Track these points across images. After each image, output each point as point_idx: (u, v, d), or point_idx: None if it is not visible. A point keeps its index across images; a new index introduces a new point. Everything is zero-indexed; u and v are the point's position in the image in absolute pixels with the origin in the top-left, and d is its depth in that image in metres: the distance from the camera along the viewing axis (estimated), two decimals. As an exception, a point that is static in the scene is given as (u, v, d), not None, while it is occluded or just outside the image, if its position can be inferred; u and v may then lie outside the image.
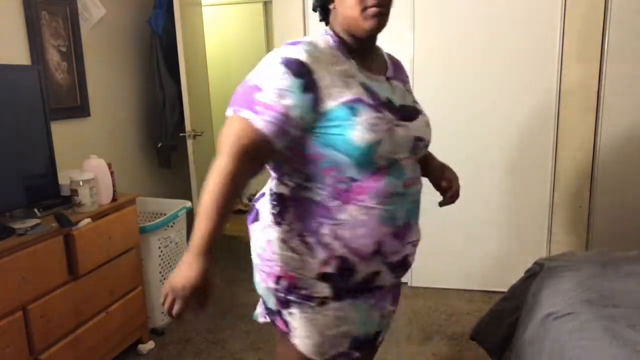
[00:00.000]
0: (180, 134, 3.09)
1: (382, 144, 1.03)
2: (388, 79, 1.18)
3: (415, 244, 1.19)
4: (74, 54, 2.51)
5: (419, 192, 1.18)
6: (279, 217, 1.12)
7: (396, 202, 1.09)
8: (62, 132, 2.37)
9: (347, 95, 1.03)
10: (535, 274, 1.71)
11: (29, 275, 1.68)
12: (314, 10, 1.20)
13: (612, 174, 2.60)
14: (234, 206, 1.05)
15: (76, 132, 2.56)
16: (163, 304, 1.02)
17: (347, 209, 1.06)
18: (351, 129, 1.01)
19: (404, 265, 1.18)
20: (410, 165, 1.13)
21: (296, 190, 1.10)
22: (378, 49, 1.22)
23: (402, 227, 1.12)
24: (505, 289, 1.89)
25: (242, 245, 3.59)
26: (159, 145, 3.20)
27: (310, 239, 1.09)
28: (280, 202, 1.13)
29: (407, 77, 1.31)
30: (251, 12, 4.37)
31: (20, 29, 2.22)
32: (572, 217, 2.70)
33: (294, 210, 1.11)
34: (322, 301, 1.12)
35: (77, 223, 1.89)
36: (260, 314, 1.28)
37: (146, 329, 2.36)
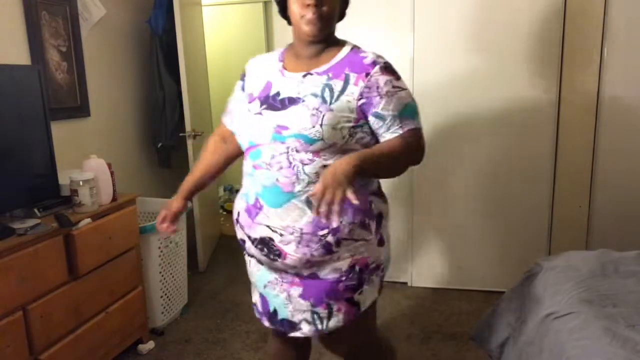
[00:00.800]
0: (180, 134, 3.09)
1: (244, 129, 1.31)
2: (306, 75, 1.26)
3: (276, 230, 1.24)
4: (74, 54, 2.51)
5: (270, 178, 1.22)
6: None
7: (247, 181, 1.30)
8: (62, 132, 2.37)
9: (251, 90, 1.33)
10: (535, 274, 1.71)
11: (29, 275, 1.68)
12: (279, 14, 1.34)
13: (612, 174, 2.61)
14: (214, 167, 1.50)
15: (76, 132, 2.56)
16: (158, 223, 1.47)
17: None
18: (236, 117, 1.40)
19: (266, 245, 1.27)
20: (269, 151, 1.22)
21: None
22: (335, 49, 1.28)
23: (251, 206, 1.28)
24: (505, 289, 1.89)
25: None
26: (159, 145, 3.20)
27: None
28: None
29: (353, 71, 1.23)
30: (251, 12, 4.36)
31: (20, 29, 2.22)
32: (572, 217, 2.70)
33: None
34: (241, 244, 1.39)
35: (77, 223, 1.89)
36: None
37: (146, 329, 2.36)
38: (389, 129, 1.22)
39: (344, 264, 1.27)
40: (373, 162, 1.15)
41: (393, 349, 1.66)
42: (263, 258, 1.31)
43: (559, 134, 2.62)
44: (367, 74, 1.21)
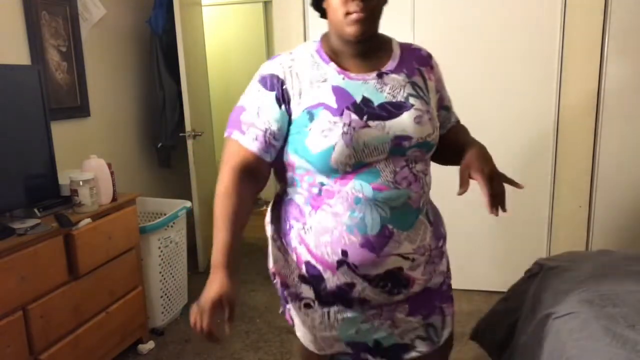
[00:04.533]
0: (180, 134, 3.09)
1: (336, 149, 0.99)
2: (381, 75, 1.08)
3: (408, 256, 1.06)
4: (74, 54, 2.51)
5: (401, 197, 1.05)
6: (271, 216, 1.21)
7: (364, 208, 1.02)
8: (62, 132, 2.37)
9: (312, 101, 1.04)
10: (535, 274, 1.71)
11: (29, 275, 1.68)
12: (312, 6, 1.15)
13: (612, 174, 2.60)
14: (244, 218, 1.07)
15: (76, 132, 2.56)
16: (194, 326, 0.97)
17: (317, 214, 1.06)
18: (306, 136, 1.02)
19: (392, 279, 1.07)
20: (391, 167, 1.04)
21: (283, 193, 1.16)
22: (385, 43, 1.14)
23: (375, 237, 1.03)
24: (505, 289, 1.89)
25: (242, 246, 3.59)
26: (159, 145, 3.20)
27: (284, 240, 1.15)
28: (274, 203, 1.21)
29: (421, 66, 1.16)
30: (251, 12, 4.37)
31: (20, 29, 2.22)
32: (572, 217, 2.70)
33: (278, 211, 1.17)
34: (308, 303, 1.13)
35: (77, 223, 1.88)
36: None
37: (146, 329, 2.36)
38: (451, 120, 1.25)
39: (444, 263, 1.21)
40: None
41: None
42: (379, 297, 1.10)
43: (558, 134, 2.62)
44: (432, 67, 1.17)
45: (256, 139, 1.06)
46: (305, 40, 2.82)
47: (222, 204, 1.05)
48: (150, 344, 2.35)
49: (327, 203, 1.04)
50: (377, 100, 1.04)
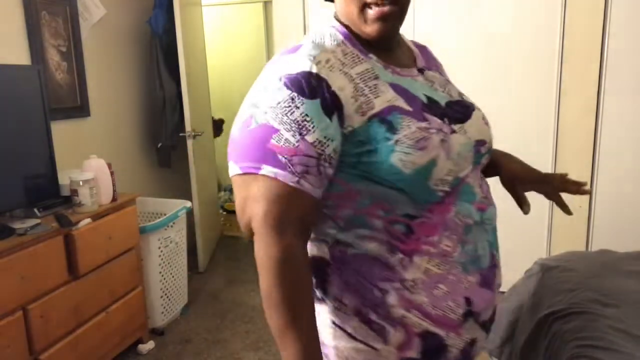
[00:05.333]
0: (180, 134, 3.09)
1: (438, 163, 0.74)
2: (421, 70, 0.89)
3: (500, 284, 0.89)
4: (74, 54, 2.51)
5: (495, 217, 0.90)
6: (321, 292, 0.81)
7: (475, 235, 0.81)
8: (62, 132, 2.37)
9: (377, 105, 0.75)
10: (535, 274, 1.71)
11: (29, 275, 1.68)
12: None
13: (612, 174, 2.60)
14: (313, 305, 0.76)
15: (76, 132, 2.56)
16: None
17: (414, 261, 0.76)
18: (390, 151, 0.73)
19: (494, 319, 0.89)
20: (477, 181, 0.85)
21: (334, 247, 0.79)
22: (399, 36, 0.92)
23: (487, 269, 0.83)
24: (505, 289, 1.89)
25: (242, 245, 3.60)
26: (159, 145, 3.20)
27: (374, 316, 0.77)
28: (317, 270, 0.81)
29: (440, 64, 1.04)
30: (251, 12, 4.37)
31: (20, 29, 2.22)
32: (572, 217, 2.69)
33: (338, 278, 0.79)
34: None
35: (77, 223, 1.88)
36: None
37: (146, 329, 2.36)
38: None
39: None
40: None
41: None
42: (480, 339, 0.85)
43: (558, 134, 2.62)
44: (441, 65, 1.03)
45: (307, 172, 0.71)
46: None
47: (297, 294, 0.71)
48: (150, 344, 2.35)
49: (427, 242, 0.76)
50: (440, 99, 0.84)
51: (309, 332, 0.72)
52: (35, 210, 1.88)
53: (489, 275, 0.83)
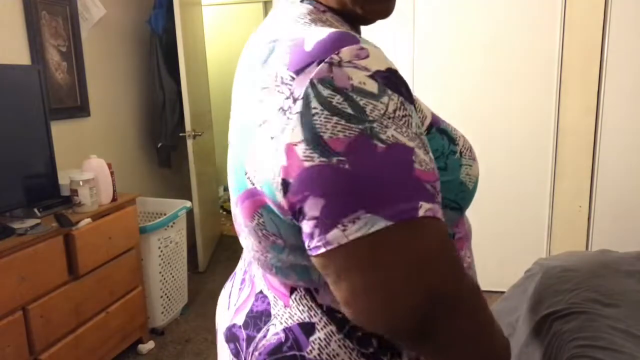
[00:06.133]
0: (180, 134, 3.09)
1: (479, 175, 0.66)
2: None
3: None
4: (74, 54, 2.51)
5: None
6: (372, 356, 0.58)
7: (470, 245, 0.73)
8: (62, 132, 2.37)
9: (427, 112, 0.63)
10: (535, 274, 1.71)
11: (29, 275, 1.68)
12: None
13: (612, 174, 2.60)
14: None
15: (76, 132, 2.56)
16: None
17: None
18: (458, 165, 0.62)
19: None
20: None
21: None
22: None
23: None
24: (505, 289, 1.89)
25: (242, 245, 3.59)
26: (159, 145, 3.20)
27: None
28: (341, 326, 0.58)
29: None
30: (251, 12, 4.37)
31: (20, 29, 2.22)
32: (572, 217, 2.70)
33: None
34: None
35: (77, 223, 1.88)
36: None
37: (146, 329, 2.36)
38: None
39: None
40: None
41: None
42: None
43: (559, 134, 2.62)
44: None
45: (439, 200, 0.51)
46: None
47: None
48: (150, 344, 2.35)
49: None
50: None
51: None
52: (35, 210, 1.88)
53: None
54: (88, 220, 1.94)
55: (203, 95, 3.45)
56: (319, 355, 0.58)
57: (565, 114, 2.59)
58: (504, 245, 2.78)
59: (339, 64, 0.48)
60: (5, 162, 1.78)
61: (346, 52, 0.49)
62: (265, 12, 4.34)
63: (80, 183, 1.95)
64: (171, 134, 3.18)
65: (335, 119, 0.47)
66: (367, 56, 0.50)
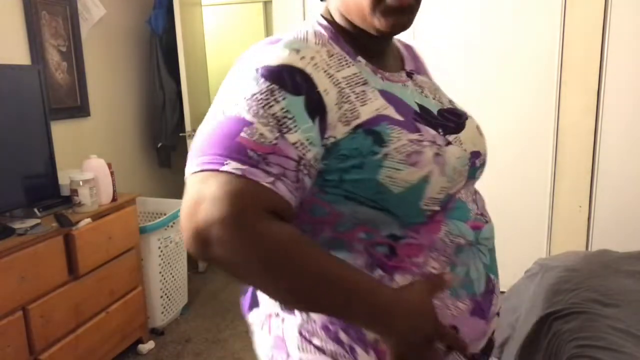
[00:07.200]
0: (180, 134, 3.09)
1: (431, 181, 0.66)
2: (409, 74, 0.80)
3: (499, 312, 0.80)
4: (74, 54, 2.51)
5: (493, 237, 0.81)
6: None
7: (468, 257, 0.73)
8: (62, 132, 2.37)
9: (364, 114, 0.66)
10: (535, 274, 1.71)
11: (29, 275, 1.68)
12: None
13: (612, 174, 2.60)
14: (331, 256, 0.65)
15: (76, 132, 2.56)
16: None
17: (397, 280, 0.68)
18: (377, 168, 0.64)
19: (490, 348, 0.81)
20: (470, 196, 0.77)
21: None
22: None
23: (482, 295, 0.74)
24: (505, 289, 1.89)
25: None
26: (159, 145, 3.20)
27: (343, 333, 0.69)
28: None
29: (426, 66, 0.92)
30: (251, 12, 4.36)
31: (20, 29, 2.22)
32: (572, 217, 2.70)
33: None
34: None
35: (77, 223, 1.88)
36: None
37: (146, 329, 2.36)
38: None
39: None
40: None
41: None
42: None
43: (558, 134, 2.62)
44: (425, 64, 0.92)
45: (284, 175, 0.59)
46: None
47: (318, 256, 0.60)
48: (150, 344, 2.35)
49: (412, 263, 0.68)
50: (431, 107, 0.76)
51: (361, 278, 0.63)
52: (35, 210, 1.88)
53: (484, 303, 0.74)
54: (88, 220, 1.94)
55: (203, 95, 3.45)
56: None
57: (565, 114, 2.59)
58: (504, 245, 2.76)
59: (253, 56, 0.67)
60: (5, 162, 1.78)
61: (259, 48, 0.67)
62: (266, 12, 4.34)
63: (80, 183, 1.95)
64: (171, 134, 3.18)
65: (216, 101, 0.66)
66: (274, 53, 0.64)
